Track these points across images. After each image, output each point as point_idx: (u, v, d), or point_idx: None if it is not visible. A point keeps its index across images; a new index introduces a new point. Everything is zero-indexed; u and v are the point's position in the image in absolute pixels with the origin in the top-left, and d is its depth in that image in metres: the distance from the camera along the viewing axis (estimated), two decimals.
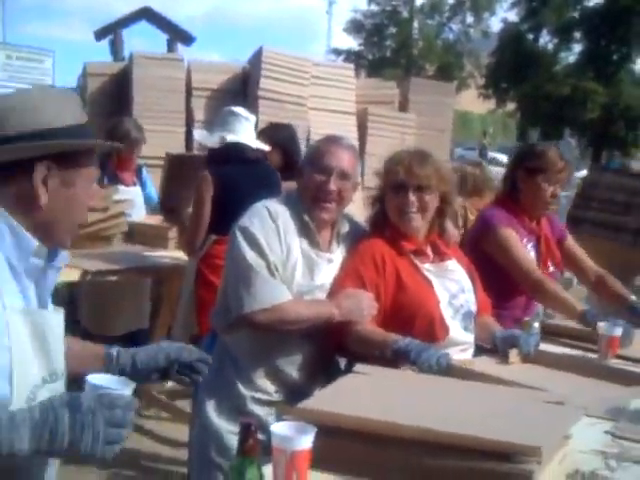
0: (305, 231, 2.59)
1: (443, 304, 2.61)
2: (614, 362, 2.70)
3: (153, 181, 5.72)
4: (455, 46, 43.43)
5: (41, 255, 1.60)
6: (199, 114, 9.79)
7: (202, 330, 3.78)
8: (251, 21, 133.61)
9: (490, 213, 3.39)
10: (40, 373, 1.57)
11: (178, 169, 4.74)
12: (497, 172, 6.94)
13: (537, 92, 31.24)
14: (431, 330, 2.53)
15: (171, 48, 15.82)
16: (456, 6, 43.39)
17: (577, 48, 34.96)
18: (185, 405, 4.52)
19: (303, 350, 2.58)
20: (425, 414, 1.78)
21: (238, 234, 2.53)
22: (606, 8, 31.51)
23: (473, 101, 37.66)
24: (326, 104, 10.23)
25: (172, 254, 4.91)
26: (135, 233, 5.21)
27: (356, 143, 7.83)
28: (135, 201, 5.30)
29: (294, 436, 1.57)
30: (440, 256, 2.74)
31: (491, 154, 29.93)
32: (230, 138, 4.09)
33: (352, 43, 45.82)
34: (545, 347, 2.78)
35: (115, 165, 5.40)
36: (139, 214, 5.40)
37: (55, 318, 1.64)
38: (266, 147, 4.29)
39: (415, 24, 43.82)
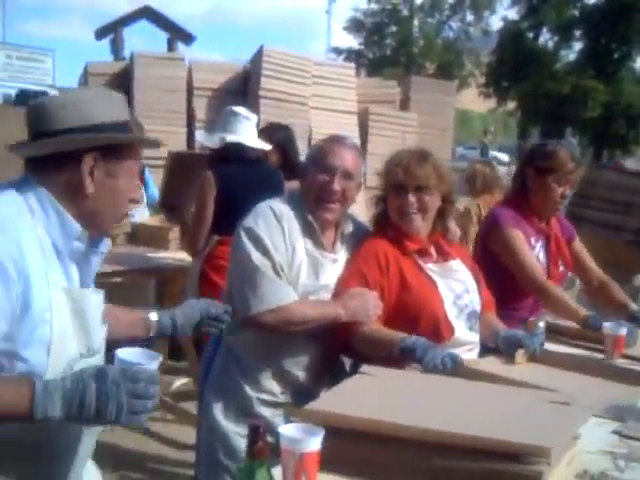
0: (309, 231, 2.59)
1: (447, 304, 2.60)
2: (621, 362, 2.70)
3: (155, 181, 5.72)
4: (455, 44, 43.46)
5: (83, 240, 1.75)
6: (200, 113, 9.80)
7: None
8: (251, 20, 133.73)
9: (498, 213, 3.37)
10: (78, 348, 1.72)
11: (180, 167, 4.73)
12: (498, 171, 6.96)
13: (538, 90, 31.24)
14: (436, 330, 2.53)
15: (171, 47, 15.83)
16: (456, 4, 43.44)
17: (577, 46, 35.04)
18: (191, 407, 4.51)
19: (309, 351, 2.58)
20: (433, 415, 1.78)
21: (243, 235, 2.52)
22: (606, 6, 31.53)
23: (474, 100, 37.68)
24: (327, 103, 10.24)
25: (175, 255, 4.91)
26: (138, 234, 5.21)
27: (357, 142, 7.83)
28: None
29: (303, 438, 1.56)
30: (444, 256, 2.73)
31: (492, 153, 29.91)
32: (230, 138, 4.09)
33: (352, 42, 45.76)
34: (551, 347, 2.78)
35: None
36: (142, 215, 5.40)
37: (95, 298, 1.80)
38: (267, 146, 4.29)
39: (415, 22, 43.87)
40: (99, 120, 1.73)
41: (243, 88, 10.33)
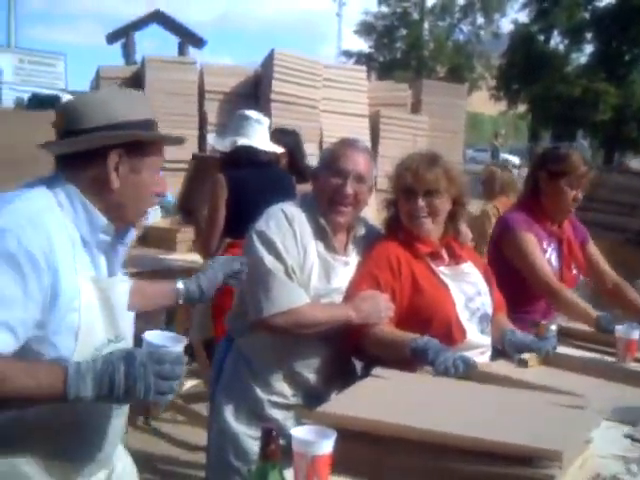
0: (321, 234, 2.59)
1: (459, 307, 2.60)
2: (633, 365, 2.69)
3: (173, 185, 5.74)
4: (466, 47, 43.37)
5: (109, 232, 1.86)
6: (212, 117, 9.83)
7: (218, 333, 3.79)
8: (260, 25, 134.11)
9: (510, 216, 3.37)
10: (106, 335, 1.82)
11: (202, 170, 4.75)
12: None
13: (548, 93, 31.13)
14: (448, 333, 2.52)
15: (182, 51, 15.88)
16: (466, 7, 43.35)
17: (588, 49, 34.87)
18: (201, 408, 4.52)
19: (320, 353, 2.58)
20: (445, 418, 1.78)
21: (255, 238, 2.53)
22: (617, 8, 31.40)
23: (484, 102, 37.61)
24: (338, 107, 10.25)
25: (186, 257, 4.92)
26: (148, 236, 5.23)
27: (368, 145, 7.85)
28: None
29: (315, 440, 1.57)
30: (455, 259, 2.73)
31: (503, 155, 29.83)
32: (241, 142, 4.10)
33: (362, 45, 45.74)
34: (563, 350, 2.77)
35: None
36: (154, 217, 5.42)
37: (121, 286, 1.92)
38: (279, 149, 4.30)
39: (425, 26, 43.80)
40: (123, 118, 1.83)
41: (254, 91, 10.35)
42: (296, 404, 2.57)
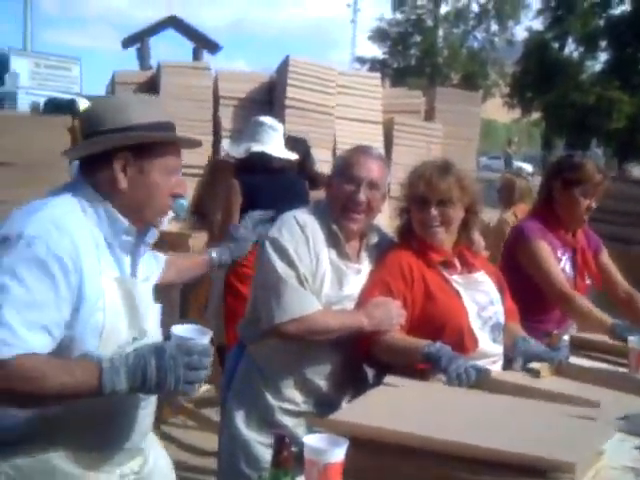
0: (333, 241, 2.59)
1: (472, 316, 2.59)
2: None
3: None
4: (480, 54, 43.33)
5: (131, 233, 1.94)
6: (226, 123, 9.85)
7: (229, 340, 3.79)
8: (274, 31, 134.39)
9: (524, 225, 3.38)
10: (131, 333, 1.90)
11: (219, 175, 4.77)
12: None
13: (562, 101, 31.01)
14: (460, 342, 2.51)
15: (197, 56, 15.93)
16: (481, 14, 43.34)
17: (603, 57, 34.72)
18: (212, 413, 4.52)
19: (331, 360, 2.58)
20: (458, 428, 1.77)
21: (267, 245, 2.53)
22: (632, 16, 31.24)
23: (498, 110, 37.54)
24: (352, 113, 10.25)
25: None
26: (159, 240, 5.24)
27: (382, 152, 7.88)
28: None
29: (327, 448, 1.57)
30: (468, 267, 2.73)
31: (516, 163, 29.77)
32: (255, 148, 4.11)
33: (376, 52, 45.78)
34: (575, 360, 2.76)
35: None
36: (168, 221, 5.42)
37: (144, 285, 2.01)
38: (294, 156, 4.31)
39: (440, 32, 43.80)
40: (132, 122, 1.88)
41: (269, 97, 10.38)
42: (307, 411, 2.56)
